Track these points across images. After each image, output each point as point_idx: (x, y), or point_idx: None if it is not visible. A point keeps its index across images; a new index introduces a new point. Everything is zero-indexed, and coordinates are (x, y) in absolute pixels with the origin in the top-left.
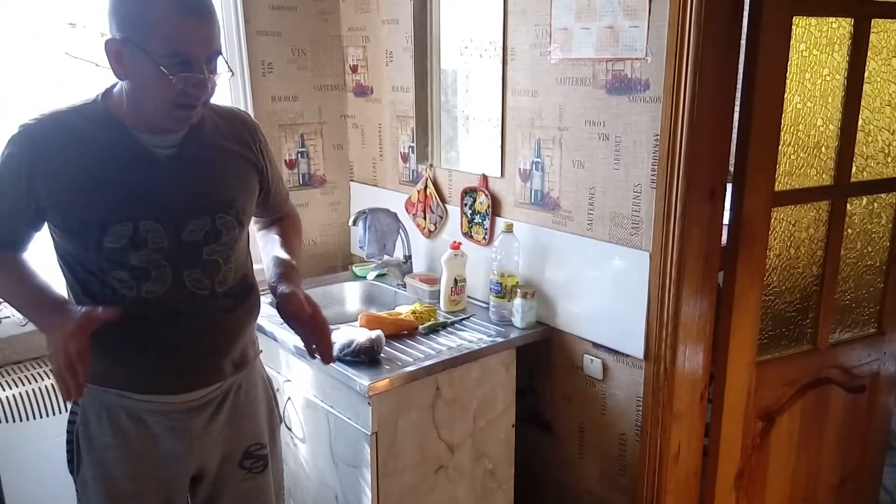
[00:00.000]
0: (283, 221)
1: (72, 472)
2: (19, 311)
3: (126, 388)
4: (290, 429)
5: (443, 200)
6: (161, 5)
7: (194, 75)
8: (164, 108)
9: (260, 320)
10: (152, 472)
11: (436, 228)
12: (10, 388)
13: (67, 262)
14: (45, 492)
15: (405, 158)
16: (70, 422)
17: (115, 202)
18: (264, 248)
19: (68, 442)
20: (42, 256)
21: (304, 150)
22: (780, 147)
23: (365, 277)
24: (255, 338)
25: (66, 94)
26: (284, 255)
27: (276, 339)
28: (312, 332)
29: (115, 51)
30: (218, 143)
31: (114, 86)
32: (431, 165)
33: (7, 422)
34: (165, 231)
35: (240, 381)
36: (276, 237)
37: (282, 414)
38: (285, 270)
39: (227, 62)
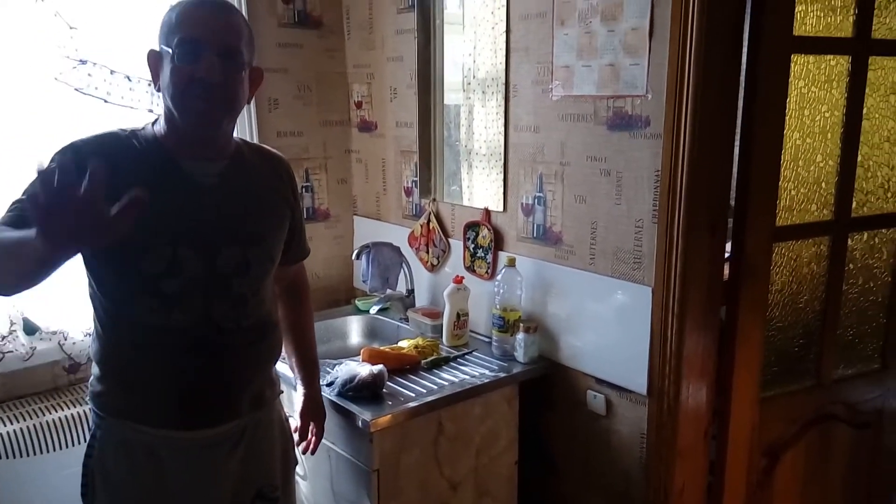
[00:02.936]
0: (299, 300)
1: None
2: (28, 263)
3: (144, 422)
4: None
5: (446, 234)
6: (184, 6)
7: (199, 59)
8: (181, 102)
9: None
10: None
11: (438, 262)
12: (13, 423)
13: (98, 290)
14: None
15: (408, 193)
16: (87, 455)
17: (156, 225)
18: (287, 341)
19: (84, 475)
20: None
21: (308, 184)
22: (780, 182)
23: (367, 311)
24: (276, 378)
25: (76, 129)
26: (308, 357)
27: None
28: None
29: (152, 61)
30: (256, 178)
31: (159, 117)
32: (434, 200)
33: (9, 458)
34: (200, 258)
35: (257, 419)
36: (298, 330)
37: (298, 456)
38: (308, 377)
39: (244, 61)
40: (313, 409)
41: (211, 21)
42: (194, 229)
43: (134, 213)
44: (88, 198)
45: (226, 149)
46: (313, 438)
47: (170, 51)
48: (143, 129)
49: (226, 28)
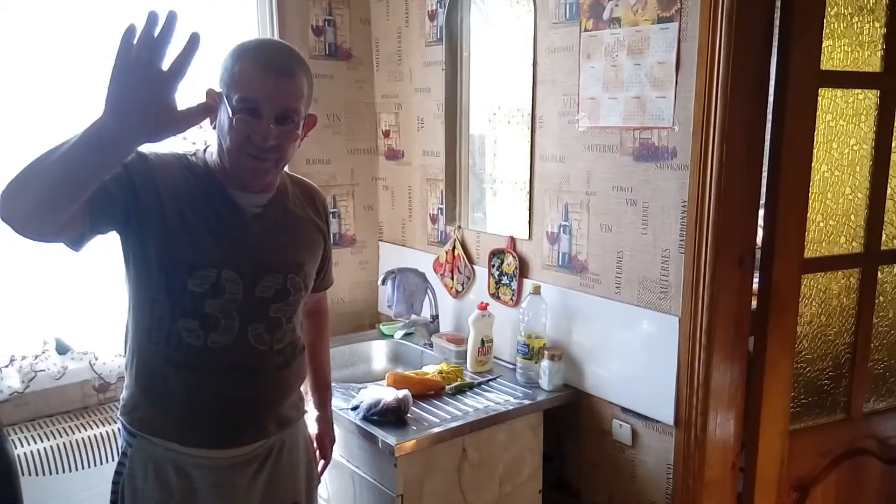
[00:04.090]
0: (319, 326)
1: None
2: (73, 160)
3: (175, 440)
4: None
5: (471, 261)
6: (247, 60)
7: (256, 121)
8: (234, 155)
9: None
10: None
11: (463, 289)
12: (43, 441)
13: (140, 309)
14: None
15: (434, 220)
16: (117, 472)
17: (204, 246)
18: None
19: (114, 493)
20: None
21: (335, 210)
22: (808, 215)
23: (392, 336)
24: (302, 398)
25: None
26: (323, 380)
27: None
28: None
29: (211, 100)
30: (296, 210)
31: (210, 145)
32: (460, 227)
33: (38, 475)
34: (242, 283)
35: (283, 439)
36: (315, 354)
37: (320, 475)
38: (321, 399)
39: (300, 119)
40: (328, 431)
41: (272, 85)
42: (238, 254)
43: (202, 117)
44: (168, 76)
45: (273, 184)
46: (321, 461)
47: (228, 104)
48: (195, 154)
49: (286, 92)
